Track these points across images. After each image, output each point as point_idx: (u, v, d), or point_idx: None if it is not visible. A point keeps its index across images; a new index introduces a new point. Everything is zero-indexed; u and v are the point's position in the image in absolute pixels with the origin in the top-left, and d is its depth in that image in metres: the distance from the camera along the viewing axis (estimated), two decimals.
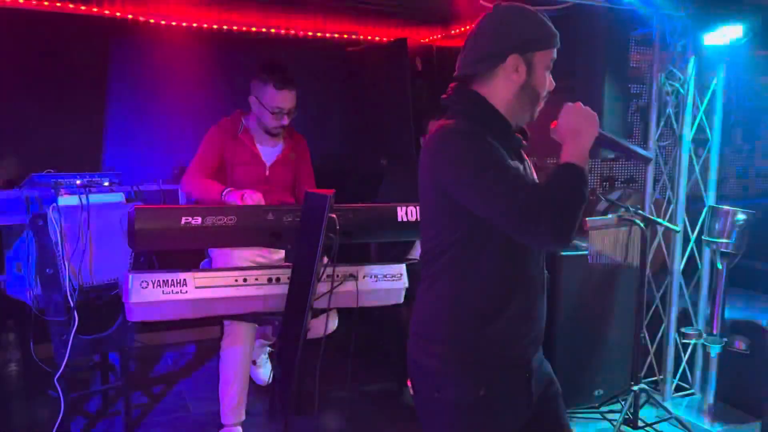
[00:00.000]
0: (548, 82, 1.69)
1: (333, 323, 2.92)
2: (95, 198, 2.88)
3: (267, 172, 3.05)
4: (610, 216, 3.32)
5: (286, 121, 3.00)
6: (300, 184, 3.18)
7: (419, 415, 1.74)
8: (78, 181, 2.98)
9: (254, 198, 2.67)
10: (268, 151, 3.08)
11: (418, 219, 2.49)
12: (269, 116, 2.96)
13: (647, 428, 3.31)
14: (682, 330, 3.57)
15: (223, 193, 2.71)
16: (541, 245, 1.64)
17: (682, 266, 3.64)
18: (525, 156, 1.78)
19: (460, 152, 1.57)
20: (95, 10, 3.63)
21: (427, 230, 1.71)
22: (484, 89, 1.68)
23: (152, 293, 2.22)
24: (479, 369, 1.64)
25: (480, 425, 1.64)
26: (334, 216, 2.23)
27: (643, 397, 3.34)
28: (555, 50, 1.69)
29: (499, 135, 1.62)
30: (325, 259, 2.30)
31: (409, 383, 1.74)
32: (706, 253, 3.66)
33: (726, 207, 3.32)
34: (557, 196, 1.49)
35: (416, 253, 3.78)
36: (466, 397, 1.63)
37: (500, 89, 1.66)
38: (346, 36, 4.64)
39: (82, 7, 3.75)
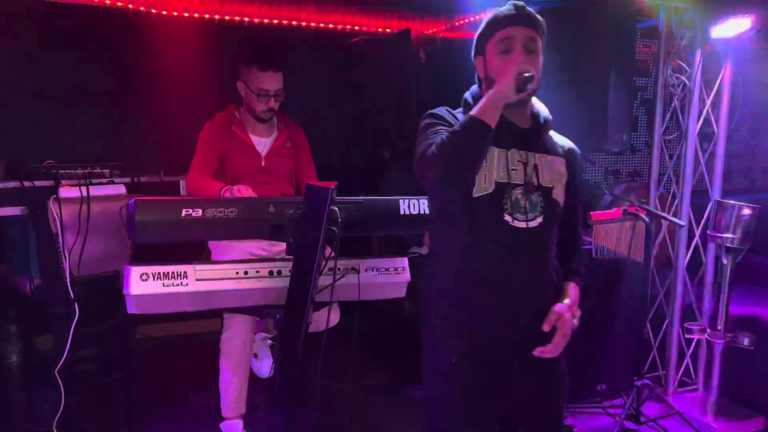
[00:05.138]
0: (510, 64, 1.70)
1: (335, 317, 2.91)
2: (96, 189, 2.87)
3: (263, 163, 3.03)
4: (614, 210, 3.31)
5: (273, 104, 2.97)
6: (300, 174, 3.16)
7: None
8: (79, 172, 2.97)
9: (243, 192, 2.64)
10: (263, 141, 3.06)
11: (421, 212, 2.49)
12: (256, 100, 2.94)
13: (650, 423, 3.30)
14: (686, 325, 3.55)
15: (221, 192, 2.69)
16: (433, 188, 1.77)
17: (686, 261, 3.62)
18: (541, 146, 1.83)
19: (420, 126, 1.81)
20: (107, 2, 3.61)
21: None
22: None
23: (153, 285, 2.20)
24: (452, 339, 1.78)
25: (452, 390, 1.78)
26: (335, 209, 2.21)
27: (646, 393, 3.33)
28: (505, 30, 1.73)
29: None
30: (328, 250, 2.28)
31: None
32: (711, 247, 3.64)
33: (731, 201, 3.29)
34: (445, 145, 1.62)
35: (424, 249, 3.75)
36: (440, 363, 1.80)
37: (484, 88, 1.84)
38: (350, 27, 4.61)
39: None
